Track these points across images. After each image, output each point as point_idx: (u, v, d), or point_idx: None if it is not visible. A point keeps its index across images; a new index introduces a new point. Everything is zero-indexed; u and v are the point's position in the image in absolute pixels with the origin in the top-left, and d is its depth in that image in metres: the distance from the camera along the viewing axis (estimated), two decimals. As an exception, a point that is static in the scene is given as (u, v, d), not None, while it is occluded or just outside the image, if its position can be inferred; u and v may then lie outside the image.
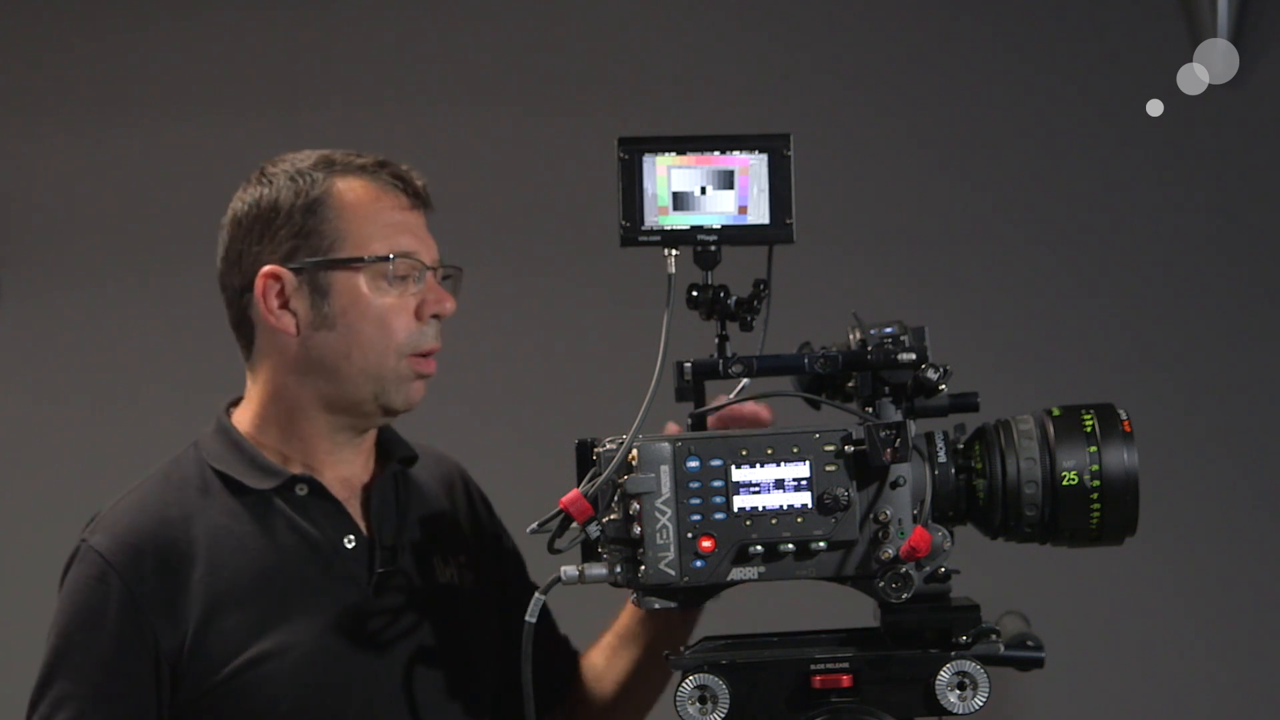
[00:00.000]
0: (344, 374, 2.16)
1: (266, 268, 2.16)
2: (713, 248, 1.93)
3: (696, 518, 1.89)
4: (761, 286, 1.95)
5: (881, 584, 1.88)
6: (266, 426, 2.21)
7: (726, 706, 1.90)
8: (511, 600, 2.30)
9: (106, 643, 2.09)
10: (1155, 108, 3.79)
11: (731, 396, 2.01)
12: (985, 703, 1.90)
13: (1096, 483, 1.93)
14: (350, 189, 2.18)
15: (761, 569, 1.90)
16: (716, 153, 1.94)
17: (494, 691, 2.28)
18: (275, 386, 2.20)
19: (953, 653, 1.91)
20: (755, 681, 1.92)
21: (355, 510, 2.21)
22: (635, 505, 1.88)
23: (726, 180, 1.93)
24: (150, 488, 2.19)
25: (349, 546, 2.17)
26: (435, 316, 2.19)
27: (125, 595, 2.09)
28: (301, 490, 2.17)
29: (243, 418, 2.23)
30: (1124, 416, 1.95)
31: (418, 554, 2.23)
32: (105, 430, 3.78)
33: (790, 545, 1.88)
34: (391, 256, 2.16)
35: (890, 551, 1.88)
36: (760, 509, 1.89)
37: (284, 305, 2.17)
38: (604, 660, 2.37)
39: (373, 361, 2.16)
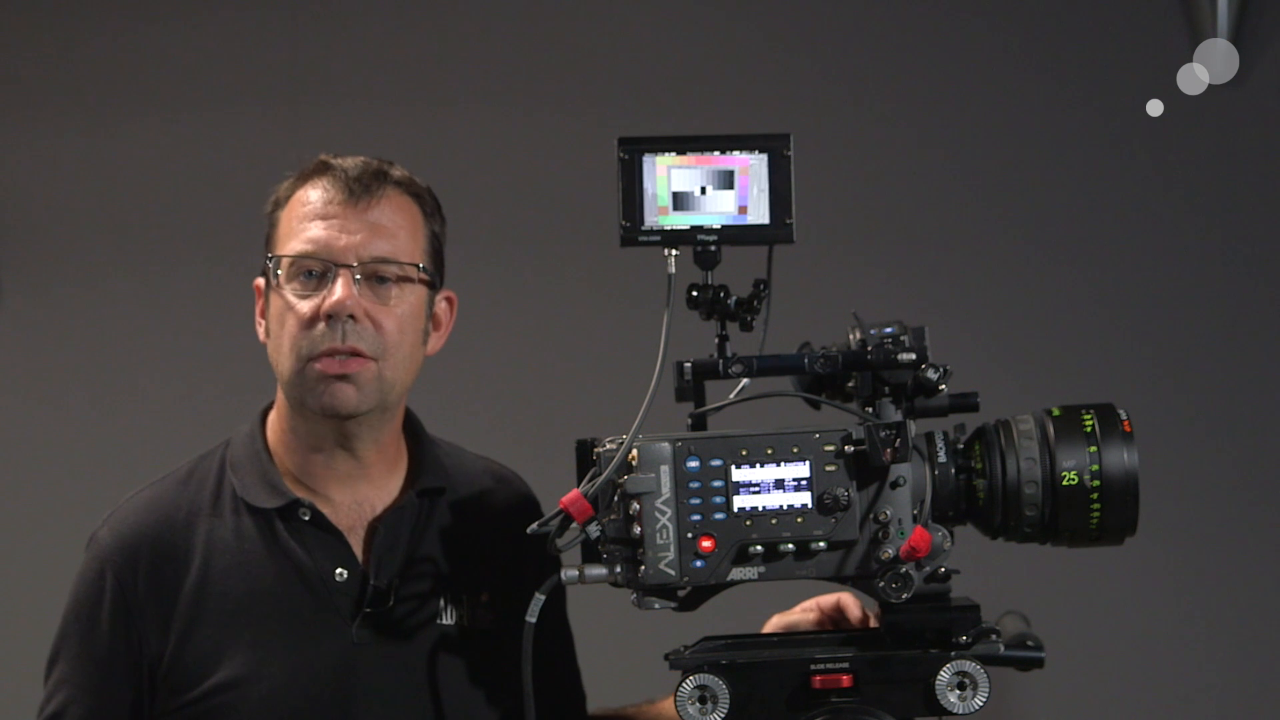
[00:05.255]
0: (279, 380, 2.13)
1: (257, 279, 2.16)
2: (713, 248, 1.93)
3: (696, 518, 1.88)
4: (761, 286, 1.95)
5: (881, 584, 1.87)
6: (281, 437, 2.17)
7: (726, 706, 1.90)
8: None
9: (97, 639, 2.10)
10: (1155, 108, 3.79)
11: (731, 397, 2.01)
12: (985, 703, 1.90)
13: (1096, 483, 1.92)
14: (292, 192, 2.14)
15: (761, 569, 1.89)
16: (716, 153, 1.93)
17: None
18: (279, 396, 2.18)
19: (953, 653, 1.91)
20: (755, 681, 1.92)
21: (358, 541, 2.14)
22: (635, 505, 1.88)
23: (726, 180, 1.93)
24: (169, 484, 2.17)
25: (340, 580, 2.11)
26: (330, 317, 2.06)
27: (118, 595, 2.10)
28: (304, 515, 2.12)
29: (271, 424, 2.19)
30: (1124, 416, 1.95)
31: (419, 594, 2.14)
32: (105, 430, 3.78)
33: (790, 545, 1.88)
34: (270, 257, 2.11)
35: (890, 551, 1.88)
36: (760, 509, 1.88)
37: (263, 314, 2.16)
38: None
39: (283, 367, 2.11)
